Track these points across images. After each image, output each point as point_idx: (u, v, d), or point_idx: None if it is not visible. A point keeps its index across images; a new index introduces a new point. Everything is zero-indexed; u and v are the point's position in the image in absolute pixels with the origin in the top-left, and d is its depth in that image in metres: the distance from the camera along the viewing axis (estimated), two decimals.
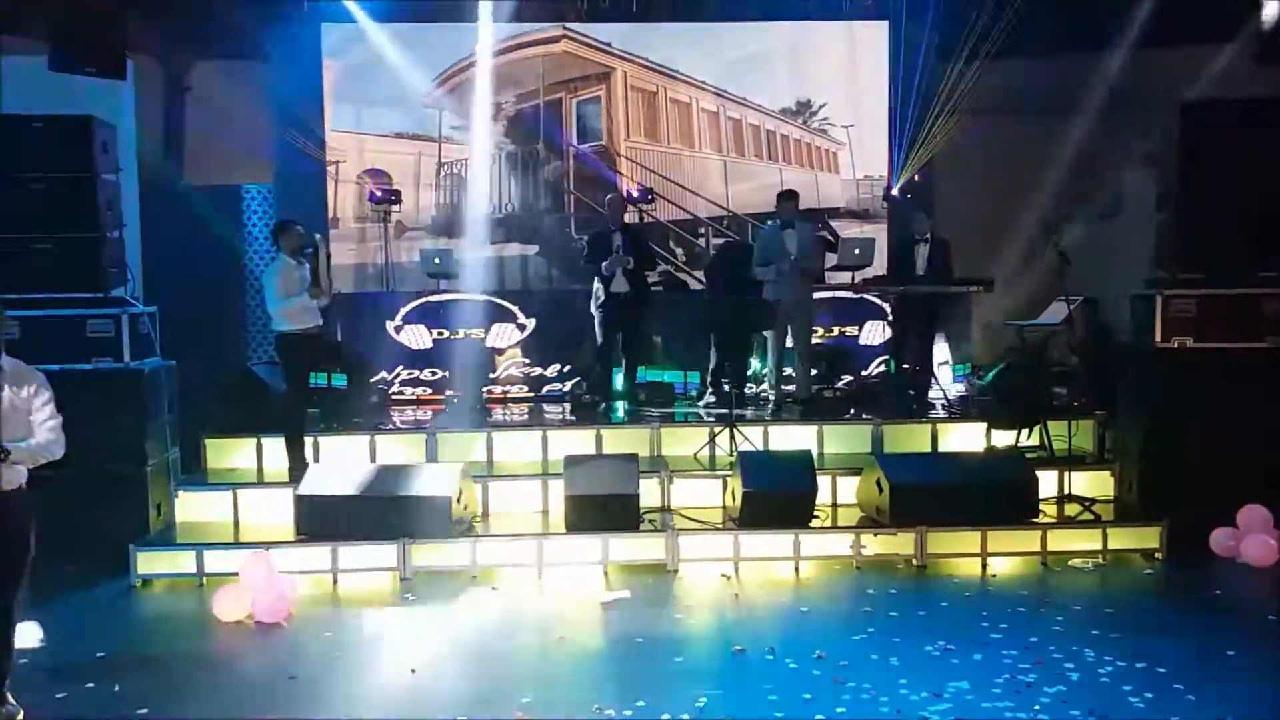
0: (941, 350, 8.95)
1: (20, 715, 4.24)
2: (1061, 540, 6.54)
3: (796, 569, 6.37)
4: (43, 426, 4.19)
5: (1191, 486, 6.66)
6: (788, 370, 8.58)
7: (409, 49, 10.45)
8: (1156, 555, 6.51)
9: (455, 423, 8.22)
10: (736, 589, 6.06)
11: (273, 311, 7.00)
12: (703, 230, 10.97)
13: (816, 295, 8.86)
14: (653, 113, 11.03)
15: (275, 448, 7.31)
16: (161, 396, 7.03)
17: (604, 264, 8.32)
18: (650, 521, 6.65)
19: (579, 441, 7.46)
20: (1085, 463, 7.35)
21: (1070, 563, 6.45)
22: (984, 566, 6.41)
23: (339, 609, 5.94)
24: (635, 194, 10.32)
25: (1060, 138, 9.67)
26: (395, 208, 10.60)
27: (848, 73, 11.00)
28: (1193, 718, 4.26)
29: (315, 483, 6.59)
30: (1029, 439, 7.51)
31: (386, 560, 6.29)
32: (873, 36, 10.88)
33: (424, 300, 9.52)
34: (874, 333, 9.62)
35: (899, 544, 6.44)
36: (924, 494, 6.51)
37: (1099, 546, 6.52)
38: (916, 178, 10.55)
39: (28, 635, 4.95)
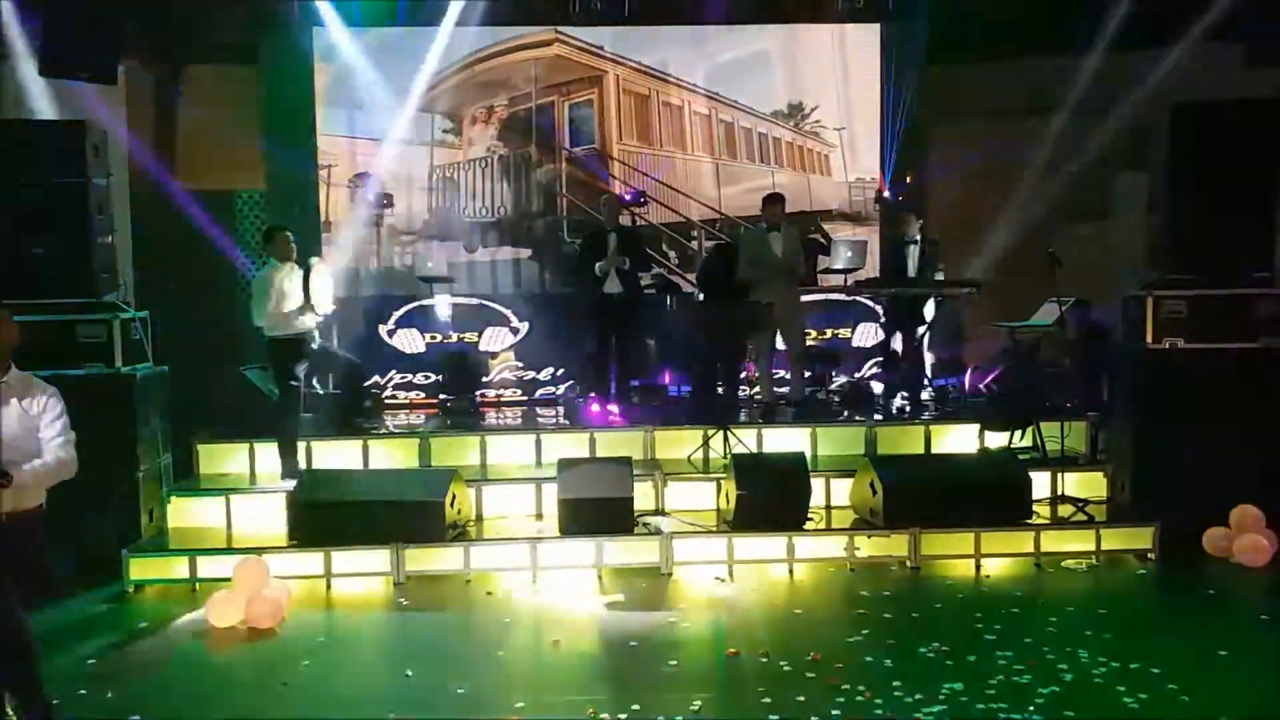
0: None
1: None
2: (1055, 541, 6.55)
3: (790, 571, 6.37)
4: (51, 444, 4.04)
5: (1184, 487, 6.68)
6: (780, 373, 8.58)
7: (400, 54, 10.44)
8: (1149, 556, 6.52)
9: (448, 427, 8.21)
10: (731, 591, 6.06)
11: (257, 318, 6.99)
12: (695, 233, 10.97)
13: (809, 298, 8.86)
14: (645, 116, 11.04)
15: (268, 453, 7.30)
16: (153, 402, 7.01)
17: (598, 264, 8.32)
18: (645, 525, 6.64)
19: (572, 445, 7.45)
20: (1078, 464, 7.37)
21: (1064, 564, 6.46)
22: (977, 568, 6.41)
23: (332, 614, 5.93)
24: (628, 197, 10.33)
25: (1051, 139, 9.69)
26: (387, 211, 10.59)
27: (839, 75, 11.02)
28: (1187, 718, 4.26)
29: (308, 488, 6.58)
30: (1022, 440, 7.52)
31: (380, 565, 6.28)
32: (864, 39, 10.90)
33: (417, 304, 9.52)
34: (867, 335, 9.64)
35: (893, 546, 6.45)
36: (917, 496, 6.53)
37: (1092, 547, 6.54)
38: (909, 180, 10.57)
39: None
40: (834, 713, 4.34)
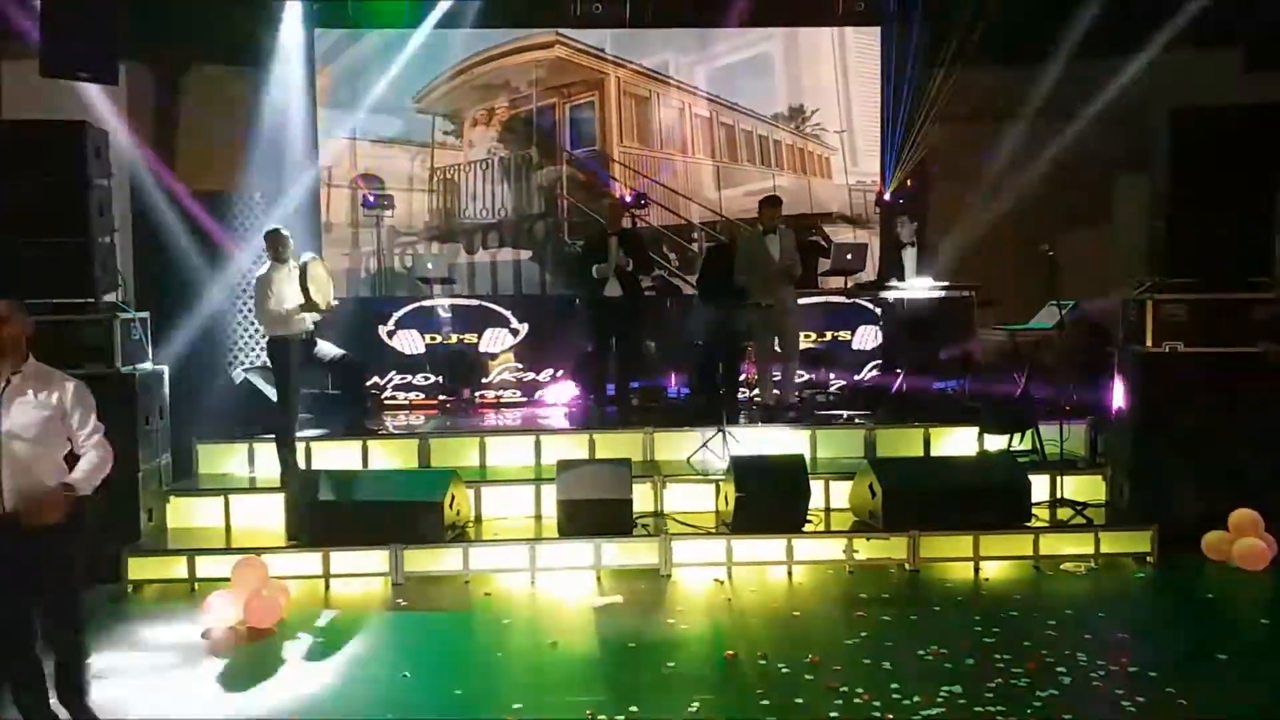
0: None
1: None
2: (1054, 544, 6.55)
3: (789, 573, 6.37)
4: (88, 442, 3.95)
5: (1183, 490, 6.69)
6: (778, 375, 8.59)
7: (401, 55, 10.45)
8: (1148, 559, 6.52)
9: (448, 428, 8.21)
10: (729, 593, 6.06)
11: (259, 319, 6.99)
12: (696, 235, 10.98)
13: (809, 300, 8.86)
14: (646, 118, 11.05)
15: (267, 453, 7.31)
16: (153, 402, 7.01)
17: (595, 268, 8.31)
18: (643, 526, 6.64)
19: (571, 446, 7.46)
20: (1077, 467, 7.38)
21: (1062, 567, 6.46)
22: (976, 571, 6.41)
23: (331, 614, 5.93)
24: (628, 199, 10.33)
25: (1052, 143, 9.69)
26: (388, 213, 10.60)
27: (840, 78, 11.03)
28: None
29: (307, 488, 6.58)
30: (1021, 443, 7.52)
31: (379, 565, 6.28)
32: (864, 42, 10.92)
33: (417, 305, 9.52)
34: (866, 337, 9.64)
35: (891, 548, 6.45)
36: (916, 498, 6.53)
37: (1091, 550, 6.54)
38: (909, 183, 10.57)
39: None
40: (832, 715, 4.34)
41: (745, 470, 6.63)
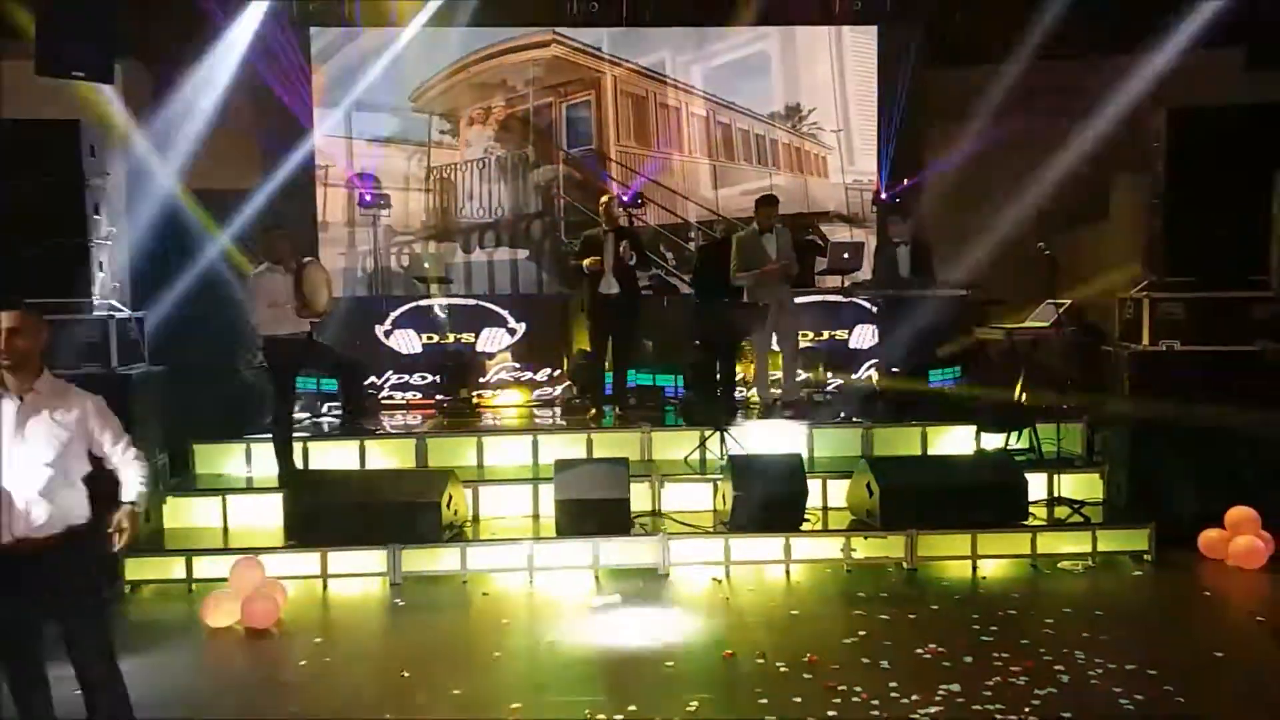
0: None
1: None
2: (1051, 543, 6.56)
3: (787, 572, 6.38)
4: (125, 456, 3.75)
5: (1180, 488, 6.71)
6: (775, 374, 8.59)
7: (397, 54, 10.44)
8: (1145, 557, 6.53)
9: (445, 427, 8.20)
10: (727, 592, 6.06)
11: (252, 319, 6.99)
12: (692, 234, 10.98)
13: (806, 299, 8.85)
14: (642, 117, 11.05)
15: (264, 453, 7.29)
16: (150, 402, 6.99)
17: (584, 263, 8.26)
18: (641, 526, 6.64)
19: (569, 446, 7.45)
20: (1074, 465, 7.39)
21: (1060, 565, 6.47)
22: (974, 569, 6.42)
23: (329, 614, 5.93)
24: (625, 198, 10.33)
25: (1049, 141, 9.70)
26: (384, 212, 10.59)
27: (837, 77, 11.03)
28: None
29: (304, 488, 6.57)
30: (1018, 442, 7.52)
31: (376, 565, 6.28)
32: (861, 41, 10.92)
33: (413, 305, 9.51)
34: (863, 336, 9.64)
35: (889, 547, 6.45)
36: (914, 497, 6.53)
37: (1088, 549, 6.54)
38: (906, 182, 10.58)
39: None
40: (830, 714, 4.34)
41: (743, 469, 6.63)
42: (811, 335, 9.51)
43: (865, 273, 9.48)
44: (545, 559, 6.33)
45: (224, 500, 6.95)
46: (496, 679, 4.84)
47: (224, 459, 7.52)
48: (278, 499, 6.67)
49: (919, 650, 5.03)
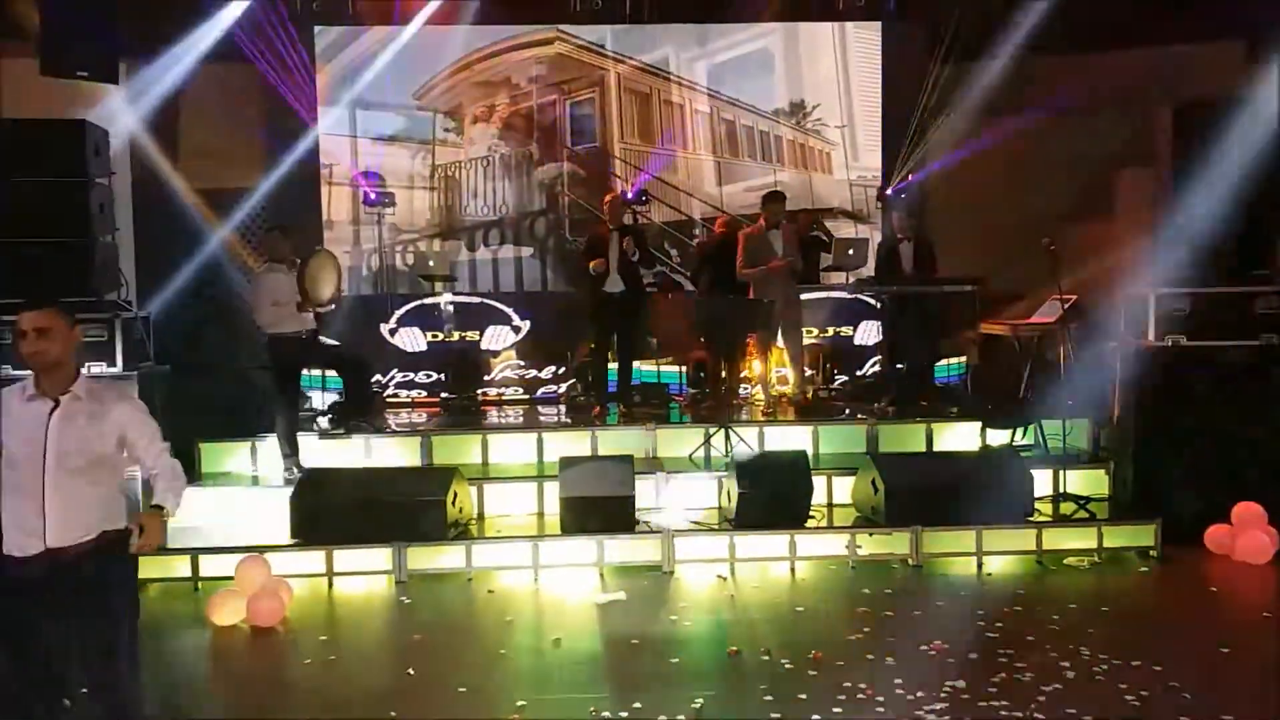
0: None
1: None
2: (1057, 539, 6.55)
3: (792, 569, 6.37)
4: (160, 462, 3.55)
5: (1186, 484, 6.69)
6: (780, 370, 8.58)
7: (401, 52, 10.45)
8: (1151, 553, 6.52)
9: (450, 425, 8.21)
10: (732, 590, 6.06)
11: (255, 318, 7.01)
12: (697, 231, 10.97)
13: (811, 295, 8.84)
14: (646, 114, 11.04)
15: (270, 451, 7.31)
16: (155, 401, 7.00)
17: (590, 265, 8.27)
18: (646, 523, 6.64)
19: (574, 443, 7.45)
20: (1080, 461, 7.37)
21: (1065, 561, 6.46)
22: (979, 565, 6.41)
23: (334, 612, 5.94)
24: (630, 195, 10.33)
25: (1053, 137, 9.68)
26: (389, 210, 10.60)
27: (841, 73, 11.02)
28: (1189, 716, 4.26)
29: (310, 486, 6.59)
30: (1024, 438, 7.52)
31: (382, 563, 6.28)
32: (865, 37, 10.90)
33: (418, 303, 9.52)
34: (868, 333, 9.63)
35: (894, 544, 6.45)
36: (919, 494, 6.52)
37: (1094, 545, 6.53)
38: (910, 178, 10.56)
39: None
40: (836, 711, 4.34)
41: (747, 466, 6.62)
42: (816, 332, 9.49)
43: (869, 269, 9.48)
44: (550, 556, 6.34)
45: (230, 498, 6.95)
46: (501, 676, 4.84)
47: (229, 457, 7.54)
48: (283, 497, 6.68)
49: (924, 647, 5.02)
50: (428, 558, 6.32)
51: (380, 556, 6.29)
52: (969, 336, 9.36)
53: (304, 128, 10.35)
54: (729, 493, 6.70)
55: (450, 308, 9.40)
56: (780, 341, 8.43)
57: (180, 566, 6.28)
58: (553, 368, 9.50)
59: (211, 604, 5.64)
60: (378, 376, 9.24)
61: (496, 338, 9.50)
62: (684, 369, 9.28)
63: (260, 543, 6.36)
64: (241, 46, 9.77)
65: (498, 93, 10.92)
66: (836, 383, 9.39)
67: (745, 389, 9.06)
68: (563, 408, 9.18)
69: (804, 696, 4.47)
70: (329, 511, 6.43)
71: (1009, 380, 8.10)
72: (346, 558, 6.29)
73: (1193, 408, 6.77)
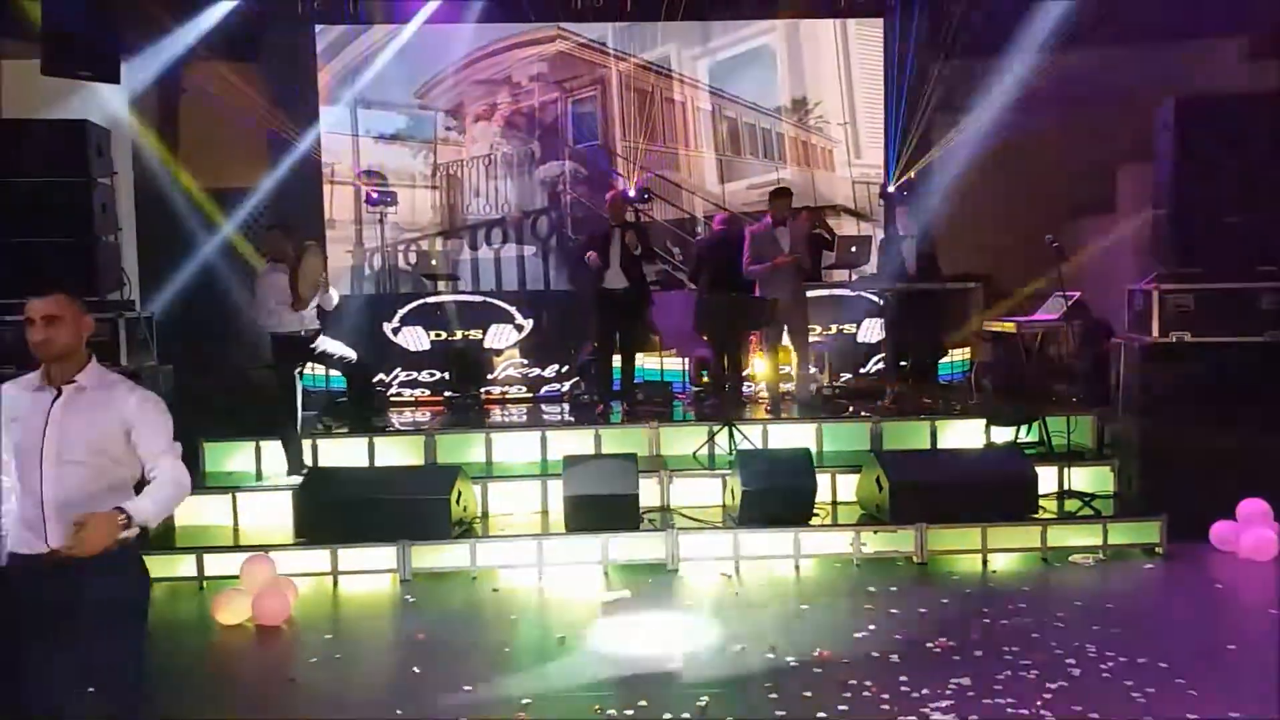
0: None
1: None
2: (1062, 536, 6.54)
3: (797, 567, 6.37)
4: (158, 463, 3.20)
5: (1191, 481, 6.67)
6: (785, 368, 8.57)
7: (402, 51, 10.46)
8: (1157, 550, 6.51)
9: (453, 424, 8.21)
10: (737, 587, 6.06)
11: (257, 317, 7.01)
12: (699, 229, 10.96)
13: (814, 293, 8.83)
14: (648, 112, 11.03)
15: (274, 451, 7.31)
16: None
17: (586, 256, 8.25)
18: (650, 521, 6.64)
19: (578, 442, 7.45)
20: (1084, 458, 7.36)
21: (1071, 558, 6.45)
22: (984, 563, 6.41)
23: (339, 611, 5.94)
24: (632, 193, 10.32)
25: (1056, 133, 9.67)
26: (391, 209, 10.60)
27: (843, 70, 11.01)
28: (1195, 713, 4.26)
29: (314, 485, 6.59)
30: (1028, 435, 7.51)
31: (386, 562, 6.29)
32: (868, 33, 10.90)
33: (421, 302, 9.52)
34: (871, 330, 9.63)
35: (899, 541, 6.44)
36: (924, 491, 6.51)
37: (1099, 542, 6.52)
38: (913, 175, 10.56)
39: None
40: (841, 708, 4.33)
41: (752, 464, 6.62)
42: (819, 329, 9.49)
43: (872, 266, 9.46)
44: (554, 555, 6.33)
45: (234, 498, 6.96)
46: (506, 675, 4.84)
47: (233, 456, 7.54)
48: (288, 496, 6.68)
49: (929, 644, 5.02)
50: (432, 556, 6.32)
51: (385, 555, 6.29)
52: (972, 334, 9.37)
53: (306, 127, 10.36)
54: (733, 491, 6.69)
55: (453, 306, 9.41)
56: (786, 339, 8.42)
57: (185, 566, 6.29)
58: (556, 366, 9.50)
59: (217, 603, 5.65)
60: (380, 376, 9.24)
61: (499, 336, 9.50)
62: (686, 366, 9.28)
63: (265, 542, 6.37)
64: (243, 45, 9.79)
65: (499, 91, 10.92)
66: (841, 381, 9.38)
67: (749, 387, 9.05)
68: (566, 406, 9.17)
69: (809, 694, 4.46)
70: (334, 510, 6.43)
71: (1013, 377, 8.11)
72: (351, 556, 6.30)
73: (1198, 404, 6.75)
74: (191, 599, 6.08)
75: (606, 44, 10.96)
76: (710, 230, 9.89)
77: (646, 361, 9.24)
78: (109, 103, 8.02)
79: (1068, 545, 6.51)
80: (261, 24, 9.92)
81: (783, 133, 11.10)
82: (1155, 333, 6.97)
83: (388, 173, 10.84)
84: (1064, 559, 6.44)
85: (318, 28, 10.56)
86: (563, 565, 6.31)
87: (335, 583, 6.25)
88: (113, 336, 6.63)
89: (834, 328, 9.63)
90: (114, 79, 7.80)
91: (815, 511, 6.67)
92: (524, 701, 4.45)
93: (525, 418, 8.66)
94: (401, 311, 9.45)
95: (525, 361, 9.51)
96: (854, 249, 9.38)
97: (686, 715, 4.28)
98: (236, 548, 6.38)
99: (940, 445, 7.58)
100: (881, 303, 9.32)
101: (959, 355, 9.79)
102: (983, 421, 7.64)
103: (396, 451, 7.47)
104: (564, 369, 9.50)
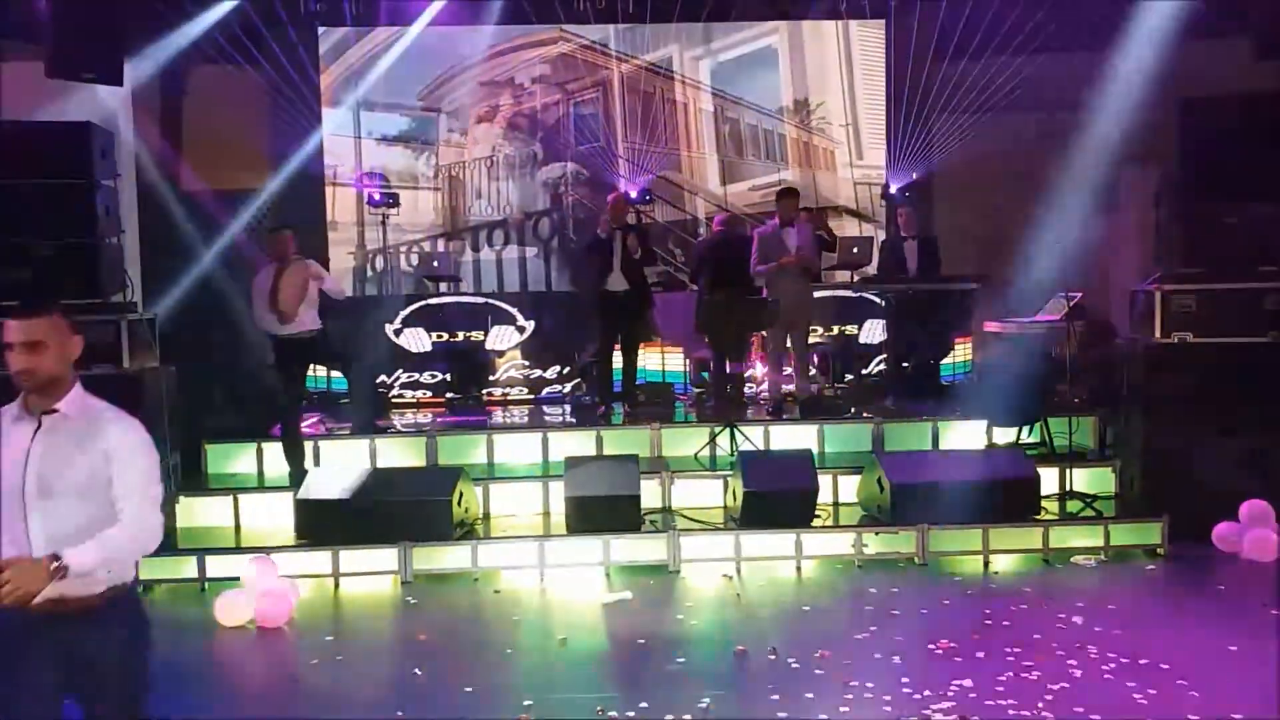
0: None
1: None
2: (1063, 537, 6.53)
3: (798, 568, 6.36)
4: (131, 502, 2.86)
5: (1193, 482, 6.66)
6: (787, 369, 8.57)
7: (405, 53, 10.47)
8: (1159, 551, 6.50)
9: (455, 425, 8.21)
10: (738, 589, 6.06)
11: (255, 320, 7.02)
12: (701, 230, 10.97)
13: (816, 294, 8.82)
14: (650, 113, 11.04)
15: (275, 452, 7.32)
16: (161, 403, 7.01)
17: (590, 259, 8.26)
18: (652, 522, 6.64)
19: (579, 443, 7.45)
20: (1086, 459, 7.36)
21: (1072, 559, 6.44)
22: (986, 564, 6.40)
23: (341, 613, 5.94)
24: (634, 194, 10.33)
25: (1058, 134, 9.66)
26: (393, 211, 10.60)
27: (845, 71, 11.01)
28: (1197, 714, 4.25)
29: (316, 487, 6.59)
30: (1030, 436, 7.50)
31: (387, 564, 6.28)
32: (869, 35, 10.90)
33: (423, 303, 9.53)
34: (873, 331, 9.62)
35: (900, 542, 6.44)
36: (925, 492, 6.50)
37: (1101, 543, 6.51)
38: (914, 175, 10.55)
39: None
40: (843, 710, 4.33)
41: (753, 465, 6.62)
42: (821, 331, 9.48)
43: (874, 267, 9.47)
44: (556, 556, 6.33)
45: (235, 500, 6.97)
46: (508, 676, 4.84)
47: (235, 458, 7.54)
48: (289, 498, 6.69)
49: (931, 645, 5.01)
50: (434, 558, 6.32)
51: (386, 557, 6.29)
52: (974, 334, 9.36)
53: (308, 129, 10.37)
54: (734, 492, 6.69)
55: (455, 309, 9.42)
56: (788, 341, 8.41)
57: (187, 567, 6.29)
58: (557, 367, 9.51)
59: (218, 605, 5.65)
60: (382, 377, 9.25)
61: (501, 338, 9.51)
62: (687, 367, 9.28)
63: (266, 544, 6.38)
64: (246, 48, 9.80)
65: (502, 93, 10.93)
66: (843, 381, 9.38)
67: (750, 388, 9.05)
68: (567, 407, 9.18)
69: (811, 695, 4.46)
70: (335, 512, 6.43)
71: (1015, 378, 8.09)
72: (352, 558, 6.30)
73: (1200, 405, 6.74)
74: (193, 601, 6.08)
75: (609, 46, 10.96)
76: (711, 231, 9.90)
77: (648, 362, 9.24)
78: (110, 104, 8.02)
79: (1069, 546, 6.50)
80: (263, 26, 9.93)
81: (785, 134, 11.10)
82: (1158, 333, 6.96)
83: (390, 174, 10.85)
84: (1066, 560, 6.43)
85: (320, 30, 10.57)
86: (564, 567, 6.31)
87: (337, 584, 6.25)
88: (115, 339, 6.62)
89: (836, 329, 9.63)
90: (117, 81, 7.80)
91: (817, 513, 6.66)
92: (526, 703, 4.44)
93: (527, 419, 8.66)
94: (403, 313, 9.46)
95: (527, 363, 9.51)
96: (855, 250, 9.39)
97: (688, 717, 4.28)
98: (238, 549, 6.38)
99: (942, 446, 7.57)
100: (883, 304, 9.32)
101: (961, 355, 9.77)
102: (984, 422, 7.63)
103: (398, 453, 7.48)
104: (565, 370, 9.50)
